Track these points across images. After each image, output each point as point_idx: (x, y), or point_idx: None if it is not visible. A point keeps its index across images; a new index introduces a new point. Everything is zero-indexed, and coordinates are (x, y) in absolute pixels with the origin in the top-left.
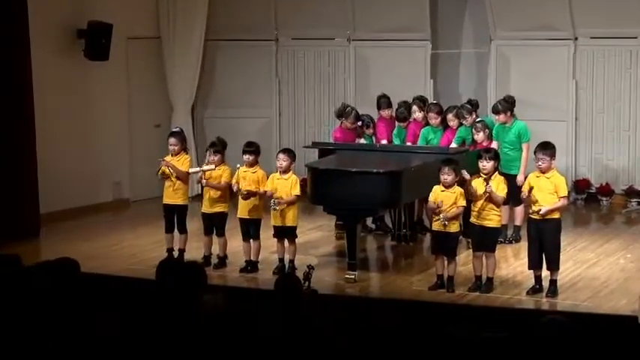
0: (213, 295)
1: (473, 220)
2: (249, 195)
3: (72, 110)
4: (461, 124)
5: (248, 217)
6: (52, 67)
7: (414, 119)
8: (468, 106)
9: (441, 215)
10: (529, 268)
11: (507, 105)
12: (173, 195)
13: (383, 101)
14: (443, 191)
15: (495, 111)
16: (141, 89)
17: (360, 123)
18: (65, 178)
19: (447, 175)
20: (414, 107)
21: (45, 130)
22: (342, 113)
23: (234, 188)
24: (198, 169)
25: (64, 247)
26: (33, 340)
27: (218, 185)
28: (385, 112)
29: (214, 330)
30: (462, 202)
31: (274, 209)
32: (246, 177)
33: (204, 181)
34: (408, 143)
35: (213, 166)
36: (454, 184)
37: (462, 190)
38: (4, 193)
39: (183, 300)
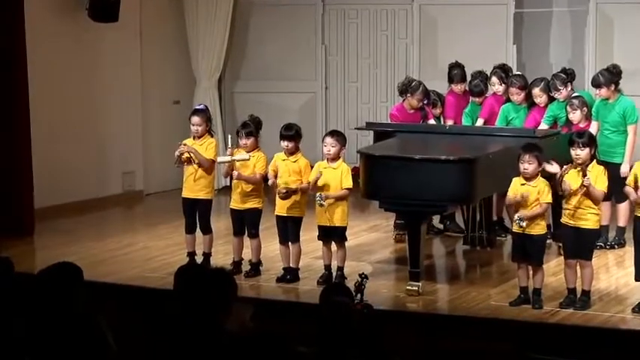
0: (242, 308)
1: (565, 220)
2: (288, 194)
3: (73, 84)
4: (552, 100)
5: (287, 214)
6: (48, 31)
7: (493, 94)
8: (562, 76)
9: (516, 215)
10: (636, 280)
11: (611, 77)
12: (195, 187)
13: (456, 73)
14: (523, 184)
15: (596, 84)
16: (157, 58)
17: (425, 101)
18: (65, 166)
19: (527, 165)
20: (493, 79)
21: (40, 108)
22: (406, 88)
23: (271, 182)
24: (229, 157)
25: (62, 250)
26: None
27: (251, 178)
28: (458, 87)
29: (242, 354)
30: (547, 199)
31: (321, 205)
32: (285, 167)
33: (235, 172)
34: (480, 121)
35: (247, 156)
36: (537, 176)
37: (548, 184)
38: None
39: (206, 315)
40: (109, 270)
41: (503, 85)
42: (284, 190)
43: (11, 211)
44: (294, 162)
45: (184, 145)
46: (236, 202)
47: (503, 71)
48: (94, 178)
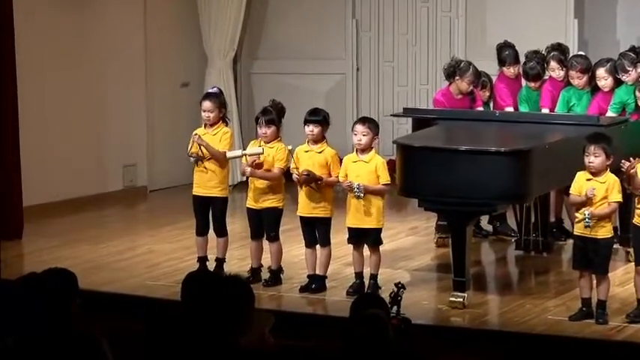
0: (261, 320)
1: (637, 221)
2: (310, 178)
3: (66, 64)
4: (619, 84)
5: (313, 215)
6: (39, 5)
7: (550, 78)
8: (631, 55)
9: (585, 212)
10: None
11: None
12: (207, 183)
13: (508, 54)
14: (589, 180)
15: None
16: (163, 34)
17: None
18: (57, 159)
19: (593, 157)
20: (552, 63)
21: (30, 93)
22: (454, 70)
23: (294, 175)
24: (239, 152)
25: (54, 254)
26: None
27: (267, 174)
28: (510, 70)
29: None
30: (617, 197)
31: (358, 196)
32: (309, 159)
33: (248, 169)
34: (544, 110)
35: (260, 150)
36: (605, 170)
37: (618, 180)
38: None
39: (219, 330)
40: (108, 278)
41: (563, 69)
42: (305, 173)
43: None
44: (320, 153)
45: (197, 135)
46: (253, 201)
47: (561, 52)
48: (90, 173)
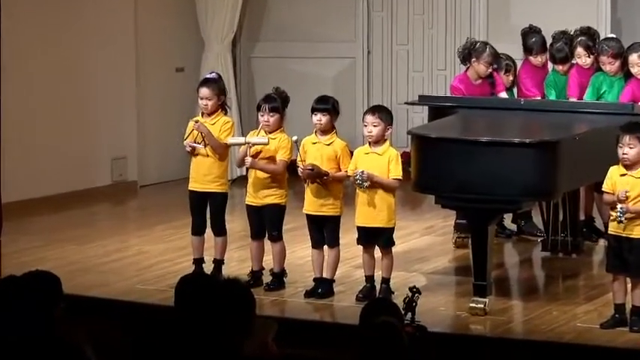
0: (264, 327)
1: None
2: (315, 173)
3: (50, 49)
4: None
5: (320, 212)
6: None
7: (577, 64)
8: None
9: (619, 207)
10: None
11: None
12: (204, 177)
13: (535, 41)
14: (623, 175)
15: None
16: (155, 15)
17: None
18: (40, 150)
19: (627, 149)
20: (579, 50)
21: (11, 79)
22: (469, 52)
23: (300, 170)
24: (242, 139)
25: (37, 254)
26: None
27: (269, 167)
28: (538, 59)
29: None
30: None
31: (360, 185)
32: (317, 152)
33: (248, 159)
34: (572, 99)
35: (266, 140)
36: None
37: None
38: None
39: (217, 339)
40: (95, 281)
41: (591, 56)
42: (309, 167)
43: None
44: (329, 145)
45: (197, 121)
46: (253, 197)
47: (589, 38)
48: (75, 167)
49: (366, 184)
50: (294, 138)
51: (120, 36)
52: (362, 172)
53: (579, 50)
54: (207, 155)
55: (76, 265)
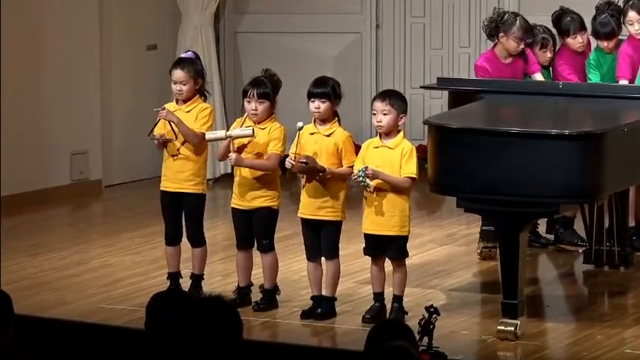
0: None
1: None
2: (309, 168)
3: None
4: None
5: (317, 216)
6: None
7: (629, 37)
8: None
9: None
10: None
11: None
12: (179, 175)
13: (570, 19)
14: None
15: None
16: None
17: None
18: None
19: None
20: (631, 14)
21: None
22: (497, 26)
23: (288, 163)
24: (223, 132)
25: None
26: None
27: (259, 163)
28: (578, 39)
29: None
30: None
31: (363, 185)
32: (315, 144)
33: (232, 155)
34: (622, 82)
35: (250, 131)
36: None
37: None
38: None
39: None
40: (52, 299)
41: None
42: (303, 159)
43: None
44: (328, 136)
45: (164, 110)
46: (240, 199)
47: None
48: (28, 162)
49: (369, 182)
50: (300, 124)
51: (80, 6)
52: (365, 167)
53: (632, 14)
54: (178, 150)
55: (29, 280)
